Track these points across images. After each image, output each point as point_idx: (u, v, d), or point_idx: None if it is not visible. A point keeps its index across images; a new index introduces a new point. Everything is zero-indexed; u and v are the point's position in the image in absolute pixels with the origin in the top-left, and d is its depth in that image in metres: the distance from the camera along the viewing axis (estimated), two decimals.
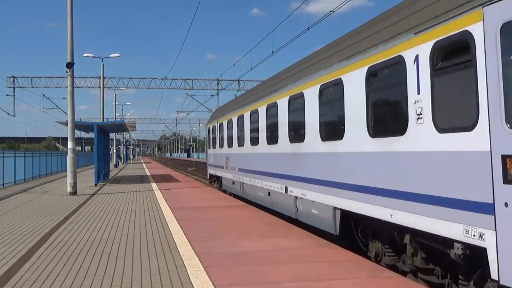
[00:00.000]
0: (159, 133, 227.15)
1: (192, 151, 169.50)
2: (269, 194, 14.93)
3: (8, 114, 57.02)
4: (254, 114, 16.54)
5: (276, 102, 14.11)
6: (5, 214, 14.64)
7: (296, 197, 12.33)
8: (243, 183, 18.69)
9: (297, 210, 12.37)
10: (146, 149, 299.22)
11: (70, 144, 21.77)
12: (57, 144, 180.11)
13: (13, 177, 28.48)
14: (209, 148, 28.33)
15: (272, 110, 14.56)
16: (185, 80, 70.31)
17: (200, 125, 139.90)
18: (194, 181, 33.71)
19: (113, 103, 72.77)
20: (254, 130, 16.54)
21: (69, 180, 21.25)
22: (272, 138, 14.37)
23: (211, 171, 27.59)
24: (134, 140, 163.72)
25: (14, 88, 64.02)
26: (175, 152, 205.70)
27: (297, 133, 12.28)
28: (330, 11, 20.98)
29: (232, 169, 20.49)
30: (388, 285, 6.57)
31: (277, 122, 13.81)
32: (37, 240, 10.21)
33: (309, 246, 9.31)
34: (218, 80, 70.51)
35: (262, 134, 15.45)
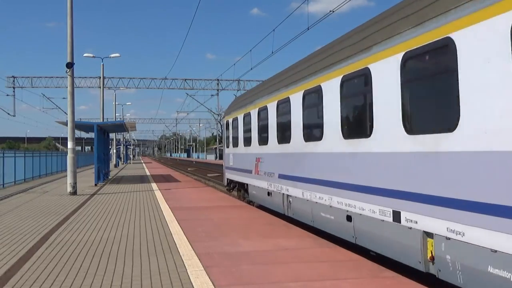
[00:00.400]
0: (159, 133, 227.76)
1: (192, 151, 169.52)
2: (348, 219, 9.26)
3: (8, 114, 57.22)
4: (312, 95, 11.30)
5: (367, 68, 8.60)
6: (5, 214, 14.63)
7: (426, 233, 6.94)
8: (288, 196, 13.02)
9: (432, 261, 6.83)
10: (146, 149, 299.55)
11: (70, 144, 21.77)
12: (57, 144, 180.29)
13: (13, 177, 28.48)
14: (227, 147, 22.01)
15: (356, 84, 9.23)
16: (185, 80, 70.48)
17: (200, 125, 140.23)
18: (194, 181, 33.72)
19: (113, 103, 72.89)
20: (311, 118, 11.45)
21: (69, 180, 21.25)
22: (356, 127, 9.25)
23: (230, 175, 21.42)
24: (134, 140, 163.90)
25: (14, 88, 64.25)
26: (175, 152, 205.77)
27: (426, 117, 7.26)
28: (330, 11, 21.01)
29: (268, 175, 14.94)
30: (389, 285, 6.56)
31: (370, 102, 8.50)
32: (37, 240, 10.20)
33: (309, 246, 9.30)
34: (218, 80, 70.70)
35: (331, 124, 10.09)
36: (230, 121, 21.05)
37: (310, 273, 7.22)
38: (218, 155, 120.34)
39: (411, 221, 7.21)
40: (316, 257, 8.32)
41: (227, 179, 22.33)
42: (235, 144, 19.95)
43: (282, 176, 13.55)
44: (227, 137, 22.09)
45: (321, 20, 22.53)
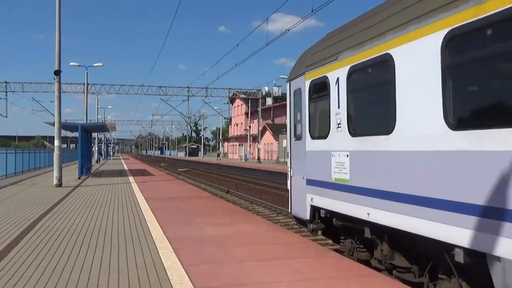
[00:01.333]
0: (136, 133, 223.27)
1: (165, 149, 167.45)
2: None
3: (1, 115, 55.05)
4: None
5: None
6: None
7: None
8: None
9: None
10: (124, 147, 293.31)
11: (56, 142, 21.18)
12: (45, 142, 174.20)
13: (4, 171, 27.49)
14: (317, 137, 8.37)
15: None
16: (160, 87, 69.49)
17: (172, 126, 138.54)
18: (166, 175, 33.28)
19: (96, 106, 71.07)
20: None
21: (55, 173, 20.61)
22: None
23: (326, 202, 8.00)
24: (114, 139, 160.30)
25: (6, 92, 62.14)
26: (150, 150, 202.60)
27: None
28: (286, 29, 21.14)
29: None
30: (331, 262, 6.62)
31: None
32: (25, 227, 9.78)
33: (265, 230, 9.28)
34: (188, 87, 70.11)
35: None
36: (335, 77, 7.69)
37: (266, 253, 7.20)
38: (187, 152, 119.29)
39: None
40: (271, 240, 8.31)
41: (312, 206, 8.72)
42: (365, 129, 7.08)
43: None
44: (314, 116, 8.68)
45: (278, 37, 22.74)
